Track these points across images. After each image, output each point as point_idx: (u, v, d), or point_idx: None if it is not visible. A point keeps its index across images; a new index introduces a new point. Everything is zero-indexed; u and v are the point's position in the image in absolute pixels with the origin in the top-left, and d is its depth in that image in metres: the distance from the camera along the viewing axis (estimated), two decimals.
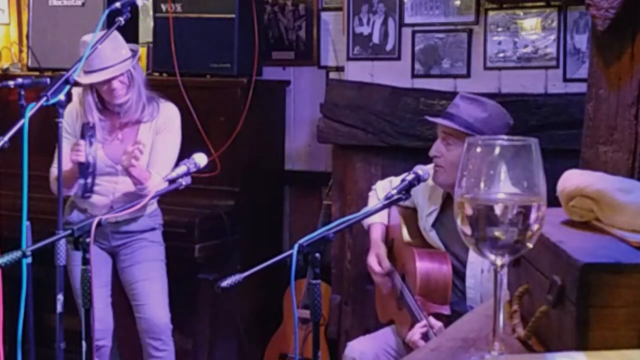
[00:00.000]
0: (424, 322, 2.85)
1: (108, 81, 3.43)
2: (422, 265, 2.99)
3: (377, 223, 3.35)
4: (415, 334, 2.87)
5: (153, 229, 3.64)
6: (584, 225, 1.33)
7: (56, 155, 3.49)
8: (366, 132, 3.99)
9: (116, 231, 3.57)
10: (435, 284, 2.97)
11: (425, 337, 2.85)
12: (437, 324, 2.85)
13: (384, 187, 3.30)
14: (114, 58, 3.44)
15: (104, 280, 3.62)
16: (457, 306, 2.97)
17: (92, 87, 3.49)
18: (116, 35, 3.43)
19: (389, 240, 3.36)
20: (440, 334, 1.98)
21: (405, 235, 3.24)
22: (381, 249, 3.26)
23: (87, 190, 3.43)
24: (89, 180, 3.41)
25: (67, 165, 3.31)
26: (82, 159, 3.35)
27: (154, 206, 3.65)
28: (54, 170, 3.48)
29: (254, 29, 4.24)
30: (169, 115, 3.58)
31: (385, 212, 3.36)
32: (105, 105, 3.54)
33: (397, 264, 3.27)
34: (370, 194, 3.44)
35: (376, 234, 3.32)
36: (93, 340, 2.49)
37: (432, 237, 3.13)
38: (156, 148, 3.52)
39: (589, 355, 1.03)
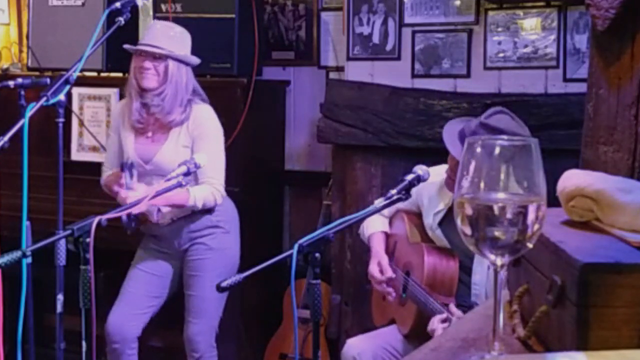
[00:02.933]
0: (445, 315, 2.86)
1: (146, 57, 3.40)
2: (430, 258, 3.04)
3: (377, 232, 3.38)
4: (434, 322, 2.88)
5: (214, 226, 3.56)
6: (584, 225, 1.32)
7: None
8: (366, 132, 4.00)
9: (177, 232, 3.55)
10: (441, 277, 3.02)
11: (445, 322, 2.87)
12: (458, 311, 2.86)
13: (374, 220, 3.35)
14: (158, 40, 3.41)
15: (157, 292, 3.62)
16: (462, 300, 2.99)
17: (134, 70, 3.46)
18: (180, 30, 3.50)
19: (392, 244, 3.37)
20: (441, 334, 1.98)
21: (411, 236, 3.26)
22: (383, 258, 3.29)
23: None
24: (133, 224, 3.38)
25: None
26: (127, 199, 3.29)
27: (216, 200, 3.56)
28: (105, 170, 3.62)
29: (254, 29, 4.24)
30: (200, 121, 3.48)
31: (386, 221, 3.40)
32: (143, 97, 3.47)
33: (400, 263, 3.29)
34: (364, 223, 3.43)
35: (377, 244, 3.36)
36: (93, 340, 2.48)
37: (437, 234, 3.15)
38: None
39: (589, 355, 1.03)
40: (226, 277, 3.49)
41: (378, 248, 3.34)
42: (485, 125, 3.00)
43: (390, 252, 3.36)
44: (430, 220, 3.20)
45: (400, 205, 3.21)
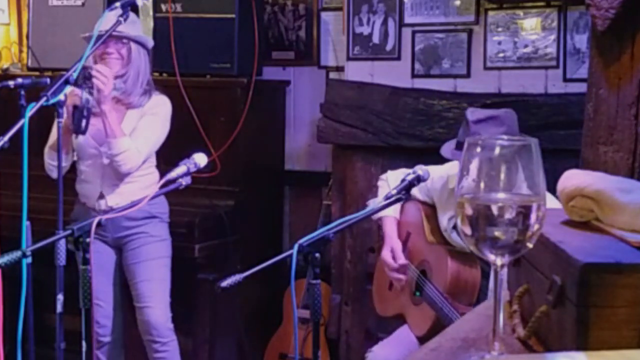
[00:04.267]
0: None
1: (108, 41, 3.38)
2: (454, 264, 2.97)
3: (389, 217, 3.31)
4: None
5: (153, 217, 3.59)
6: (584, 225, 1.32)
7: (51, 138, 3.53)
8: (366, 132, 4.00)
9: (114, 219, 3.50)
10: (464, 284, 2.95)
11: None
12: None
13: (397, 178, 3.24)
14: (120, 26, 3.38)
15: (110, 276, 3.63)
16: None
17: (96, 58, 3.46)
18: (132, 15, 3.44)
19: (405, 234, 3.33)
20: (441, 334, 1.99)
21: (428, 233, 3.22)
22: (396, 243, 3.25)
23: (80, 131, 3.32)
24: (83, 122, 3.31)
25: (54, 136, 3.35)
26: (77, 102, 3.28)
27: (152, 193, 3.59)
28: (48, 149, 3.53)
29: (254, 29, 4.24)
30: (156, 102, 3.57)
31: (397, 206, 3.31)
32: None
33: (415, 259, 3.24)
34: (380, 183, 3.36)
35: (390, 228, 3.29)
36: (93, 339, 2.49)
37: (454, 238, 3.11)
38: (138, 127, 3.49)
39: (589, 355, 1.03)
40: (167, 264, 3.59)
41: (391, 234, 3.27)
42: (478, 120, 3.00)
43: (402, 240, 3.31)
44: (445, 224, 3.17)
45: (414, 191, 3.17)
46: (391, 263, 3.19)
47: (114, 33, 3.33)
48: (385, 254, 3.22)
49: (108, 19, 3.21)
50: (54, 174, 3.44)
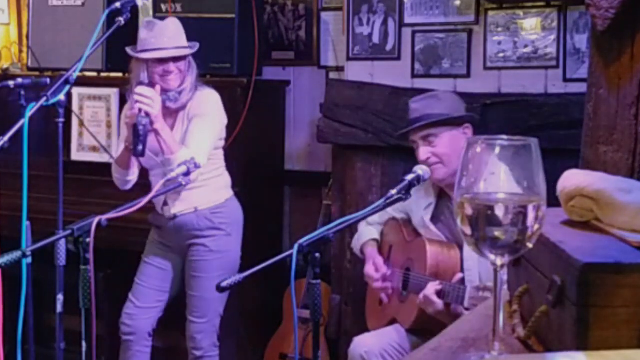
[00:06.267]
0: (437, 282, 2.94)
1: (169, 61, 3.43)
2: (432, 248, 3.10)
3: (369, 240, 3.45)
4: (429, 289, 2.95)
5: (215, 228, 3.56)
6: (584, 225, 1.33)
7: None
8: (366, 132, 4.00)
9: (178, 228, 3.55)
10: (444, 266, 3.07)
11: (440, 294, 2.94)
12: (458, 275, 2.96)
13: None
14: (177, 41, 3.47)
15: (164, 286, 3.65)
16: None
17: (147, 71, 3.45)
18: (177, 22, 3.53)
19: (386, 249, 3.40)
20: (441, 334, 1.98)
21: (407, 235, 3.30)
22: (377, 257, 3.36)
23: (137, 154, 3.31)
24: (139, 146, 3.27)
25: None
26: (132, 120, 3.28)
27: (219, 199, 3.60)
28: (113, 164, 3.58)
29: (254, 29, 4.24)
30: (201, 100, 3.53)
31: (376, 229, 3.47)
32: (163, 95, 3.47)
33: (398, 263, 3.30)
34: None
35: (370, 250, 3.42)
36: (93, 340, 2.48)
37: (433, 230, 3.17)
38: (189, 131, 3.46)
39: (589, 355, 1.03)
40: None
41: (371, 251, 3.40)
42: (415, 100, 3.25)
43: (385, 256, 3.38)
44: (421, 215, 3.21)
45: (390, 211, 3.25)
46: (373, 274, 3.30)
47: (177, 54, 3.43)
48: (368, 268, 3.34)
49: (164, 32, 3.34)
50: (123, 187, 3.54)
